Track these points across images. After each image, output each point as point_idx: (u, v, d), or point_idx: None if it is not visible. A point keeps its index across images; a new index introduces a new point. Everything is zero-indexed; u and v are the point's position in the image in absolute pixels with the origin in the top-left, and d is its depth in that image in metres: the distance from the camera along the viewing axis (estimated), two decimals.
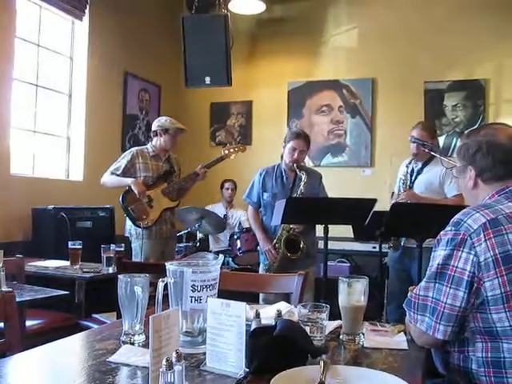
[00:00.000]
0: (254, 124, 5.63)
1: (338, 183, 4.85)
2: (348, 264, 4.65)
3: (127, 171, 3.41)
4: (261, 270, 3.17)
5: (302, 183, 3.03)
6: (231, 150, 3.61)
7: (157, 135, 3.47)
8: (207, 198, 5.19)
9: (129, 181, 3.36)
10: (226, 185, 5.13)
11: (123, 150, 4.71)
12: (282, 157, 3.18)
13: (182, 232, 4.60)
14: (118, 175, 3.39)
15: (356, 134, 5.26)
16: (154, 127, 3.50)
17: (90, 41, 4.51)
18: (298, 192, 3.04)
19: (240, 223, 4.97)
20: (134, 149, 3.53)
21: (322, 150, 5.36)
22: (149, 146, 3.54)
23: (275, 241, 3.10)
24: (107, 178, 3.42)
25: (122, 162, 3.42)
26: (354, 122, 5.26)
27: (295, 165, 3.05)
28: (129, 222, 3.43)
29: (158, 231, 3.44)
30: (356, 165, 5.23)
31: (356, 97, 5.25)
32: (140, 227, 3.37)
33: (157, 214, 3.42)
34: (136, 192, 3.34)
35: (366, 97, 5.19)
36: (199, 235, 4.44)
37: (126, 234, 3.47)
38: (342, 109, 5.29)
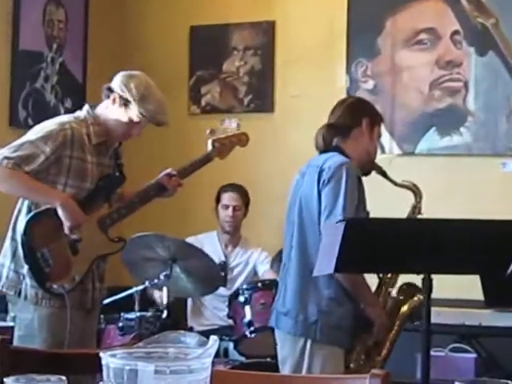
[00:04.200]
0: (279, 69, 5.69)
1: (451, 187, 4.83)
2: (473, 355, 4.72)
3: (42, 170, 3.44)
4: (339, 363, 3.35)
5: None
6: (225, 142, 3.80)
7: (114, 102, 3.55)
8: (189, 224, 5.18)
9: (55, 198, 3.42)
10: (225, 197, 5.11)
11: (13, 119, 4.73)
12: (326, 136, 3.52)
13: (133, 289, 4.57)
14: (27, 172, 3.40)
15: (488, 88, 5.29)
16: (116, 85, 3.56)
17: None
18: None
19: (256, 272, 4.92)
20: (68, 122, 3.55)
21: (418, 124, 5.42)
22: (86, 114, 3.60)
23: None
24: (3, 175, 3.43)
25: (43, 148, 3.43)
26: (484, 64, 5.30)
27: (377, 165, 3.65)
28: (10, 271, 3.46)
29: (79, 296, 3.52)
30: (489, 152, 5.29)
31: (488, 13, 5.26)
32: (50, 293, 3.41)
33: (84, 268, 3.52)
34: (67, 224, 3.40)
35: (508, 12, 5.20)
36: (165, 297, 4.41)
37: (2, 289, 3.49)
38: (460, 37, 5.34)
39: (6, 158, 3.36)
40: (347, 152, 3.50)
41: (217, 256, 4.81)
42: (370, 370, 3.10)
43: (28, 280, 3.42)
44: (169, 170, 3.71)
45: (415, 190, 3.68)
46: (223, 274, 4.76)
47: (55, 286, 3.39)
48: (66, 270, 3.46)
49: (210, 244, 5.05)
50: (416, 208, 3.64)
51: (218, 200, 5.13)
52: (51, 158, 3.42)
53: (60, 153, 3.43)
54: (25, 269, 3.42)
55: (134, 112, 3.50)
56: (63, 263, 3.46)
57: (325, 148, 3.52)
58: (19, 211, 3.48)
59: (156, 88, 3.65)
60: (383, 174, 3.66)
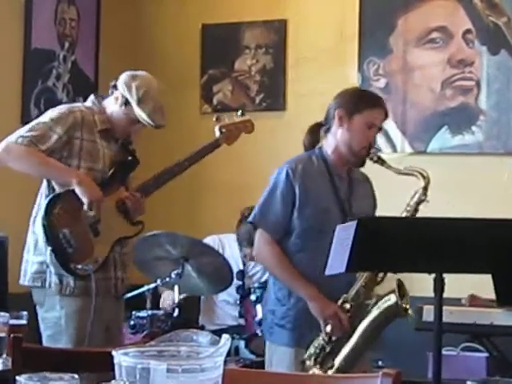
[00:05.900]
0: (290, 68, 5.69)
1: (463, 186, 4.80)
2: (485, 354, 4.73)
3: (56, 151, 3.53)
4: (290, 364, 3.31)
5: (361, 191, 3.52)
6: (232, 128, 3.86)
7: (117, 100, 3.67)
8: (201, 222, 5.16)
9: (71, 175, 3.51)
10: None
11: (25, 118, 4.74)
12: (309, 137, 3.58)
13: (145, 288, 4.58)
14: (42, 151, 3.49)
15: (500, 86, 5.30)
16: (120, 84, 3.66)
17: None
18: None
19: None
20: (77, 106, 3.73)
21: (429, 122, 5.41)
22: (91, 104, 3.73)
23: (342, 299, 3.32)
24: (19, 151, 3.50)
25: (56, 129, 3.53)
26: (497, 63, 5.30)
27: (372, 155, 3.42)
28: (34, 264, 3.50)
29: (103, 283, 3.55)
30: (500, 151, 5.29)
31: (500, 11, 5.25)
32: (75, 274, 3.46)
33: (105, 250, 3.57)
34: (85, 199, 3.47)
35: None
36: (177, 295, 4.42)
37: (28, 283, 3.53)
38: (472, 36, 5.32)
39: (21, 136, 3.47)
40: (325, 149, 3.52)
41: (235, 263, 4.80)
42: (325, 371, 3.17)
43: (52, 267, 3.46)
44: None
45: (422, 175, 3.38)
46: (241, 282, 4.76)
47: (80, 266, 3.44)
48: (89, 250, 3.52)
49: (231, 247, 5.05)
50: (418, 194, 3.37)
51: (239, 223, 5.10)
52: (63, 139, 3.51)
53: (71, 134, 3.53)
54: (47, 256, 3.46)
55: (132, 112, 3.60)
56: (85, 244, 3.52)
57: (304, 150, 3.56)
58: (39, 205, 3.53)
59: (158, 90, 3.72)
60: (381, 162, 3.50)
